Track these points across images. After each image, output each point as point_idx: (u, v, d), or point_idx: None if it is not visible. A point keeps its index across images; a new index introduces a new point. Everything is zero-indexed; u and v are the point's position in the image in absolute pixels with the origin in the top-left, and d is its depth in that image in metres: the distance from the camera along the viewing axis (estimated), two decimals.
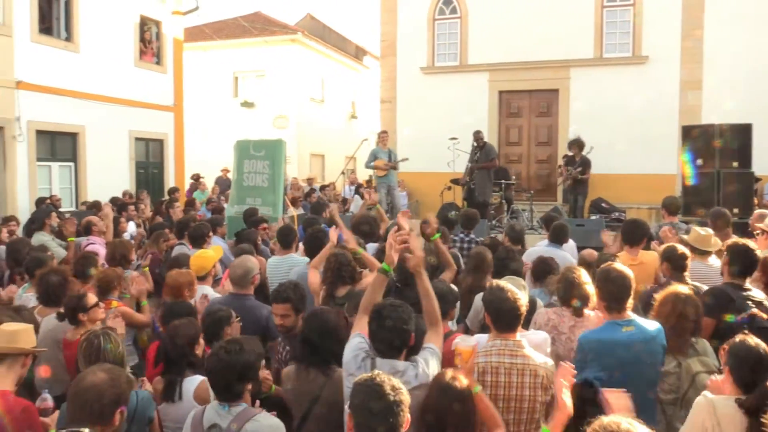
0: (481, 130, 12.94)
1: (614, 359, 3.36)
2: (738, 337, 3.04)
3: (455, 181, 13.62)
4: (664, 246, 4.97)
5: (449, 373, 2.85)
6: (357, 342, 3.17)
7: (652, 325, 3.54)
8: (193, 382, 3.48)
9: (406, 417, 2.28)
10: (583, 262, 5.33)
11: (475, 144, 12.37)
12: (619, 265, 3.69)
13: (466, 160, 12.80)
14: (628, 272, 3.57)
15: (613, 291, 3.50)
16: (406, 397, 2.31)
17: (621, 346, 3.39)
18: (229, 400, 2.86)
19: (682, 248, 4.73)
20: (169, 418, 3.45)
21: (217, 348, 2.98)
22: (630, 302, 3.54)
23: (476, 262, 5.33)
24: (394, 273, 3.55)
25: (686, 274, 4.63)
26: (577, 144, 12.14)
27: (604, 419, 2.06)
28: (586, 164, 11.93)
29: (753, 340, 3.00)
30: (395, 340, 3.01)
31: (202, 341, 3.66)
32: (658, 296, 3.77)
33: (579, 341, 3.51)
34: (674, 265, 4.63)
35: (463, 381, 2.79)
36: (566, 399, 2.61)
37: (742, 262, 4.33)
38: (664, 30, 15.17)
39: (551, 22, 15.88)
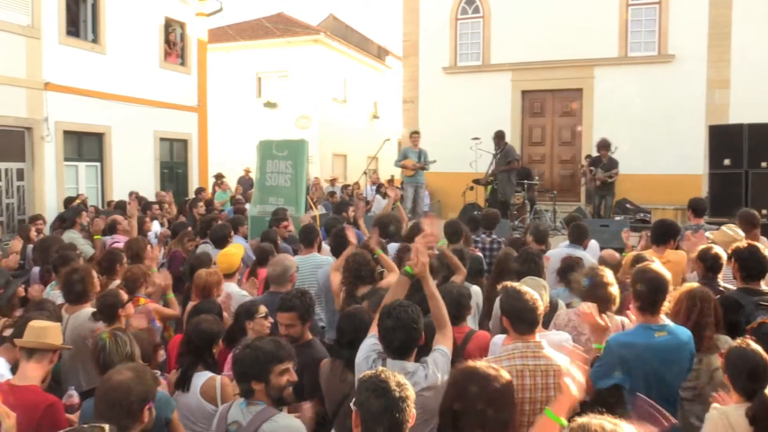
0: (502, 130, 12.87)
1: (644, 365, 3.26)
2: (735, 344, 2.98)
3: (477, 181, 13.58)
4: (700, 247, 4.87)
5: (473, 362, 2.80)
6: (370, 343, 3.19)
7: (684, 332, 3.41)
8: (202, 377, 3.52)
9: (412, 413, 2.27)
10: (604, 264, 5.26)
11: (495, 146, 12.34)
12: (656, 265, 3.54)
13: (489, 160, 12.76)
14: (666, 273, 3.43)
15: (648, 292, 3.36)
16: (411, 393, 2.30)
17: (653, 352, 3.27)
18: (246, 397, 2.91)
19: (718, 249, 4.63)
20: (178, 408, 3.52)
21: (246, 344, 3.02)
22: (665, 305, 3.42)
23: (501, 267, 5.31)
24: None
25: (720, 276, 4.54)
26: (604, 145, 12.00)
27: (583, 419, 1.99)
28: (614, 165, 11.77)
29: (752, 346, 2.93)
30: (404, 340, 3.01)
31: (221, 342, 3.70)
32: (674, 295, 3.62)
33: (608, 344, 3.39)
34: (707, 265, 4.54)
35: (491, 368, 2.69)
36: (570, 383, 2.47)
37: (750, 266, 4.22)
38: (691, 28, 14.94)
39: (575, 21, 15.74)
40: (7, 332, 4.02)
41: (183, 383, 3.53)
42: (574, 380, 2.47)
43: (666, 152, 14.80)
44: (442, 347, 3.17)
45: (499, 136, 12.45)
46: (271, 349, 2.95)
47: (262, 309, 4.04)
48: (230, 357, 3.61)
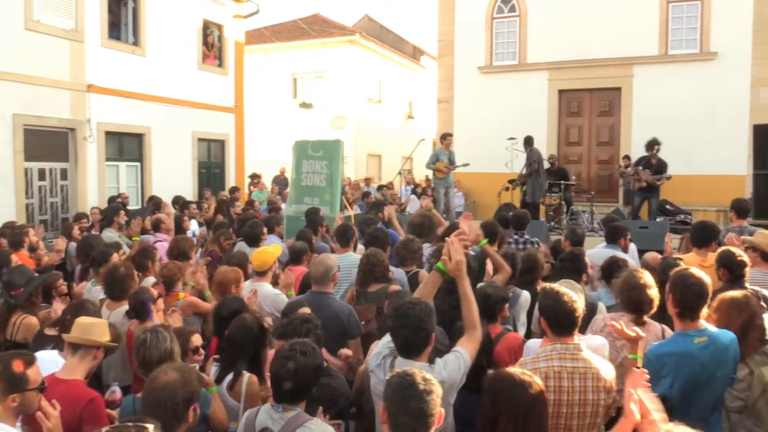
0: (530, 136, 12.75)
1: (685, 373, 3.18)
2: None
3: (513, 182, 13.47)
4: (720, 249, 4.74)
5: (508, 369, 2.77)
6: (387, 340, 3.18)
7: (726, 335, 3.30)
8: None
9: (438, 408, 2.28)
10: (647, 267, 5.15)
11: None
12: (696, 270, 3.43)
13: (523, 161, 12.69)
14: (706, 279, 3.33)
15: (689, 298, 3.26)
16: (437, 389, 2.30)
17: (693, 359, 3.19)
18: (288, 401, 2.81)
19: (740, 253, 4.50)
20: None
21: (287, 348, 2.90)
22: (705, 311, 3.32)
23: (528, 265, 5.23)
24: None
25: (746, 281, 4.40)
26: (653, 145, 11.71)
27: (665, 426, 1.98)
28: (663, 168, 11.49)
29: None
30: (409, 337, 2.99)
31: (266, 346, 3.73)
32: (715, 302, 3.50)
33: (647, 355, 3.29)
34: (731, 271, 4.42)
35: (526, 375, 2.70)
36: (634, 407, 2.48)
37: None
38: (734, 24, 14.57)
39: (614, 19, 15.49)
40: (49, 331, 4.12)
41: (220, 381, 3.57)
42: (638, 404, 2.47)
43: (708, 152, 14.46)
44: (460, 349, 3.13)
45: (526, 142, 12.41)
46: (317, 359, 2.92)
47: (306, 310, 4.05)
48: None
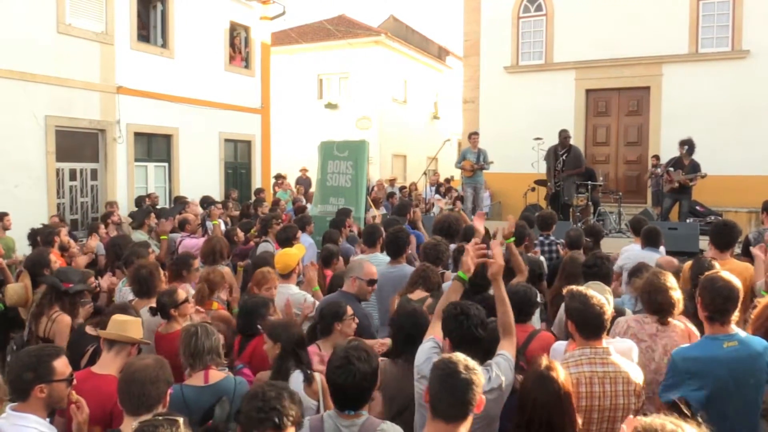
0: (567, 129, 12.60)
1: (713, 379, 3.08)
2: None
3: (540, 182, 13.34)
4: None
5: (543, 362, 2.80)
6: (430, 346, 3.19)
7: (758, 341, 3.20)
8: (299, 376, 3.46)
9: (479, 396, 2.38)
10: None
11: (560, 145, 12.06)
12: (726, 273, 3.34)
13: (546, 160, 12.51)
14: (736, 282, 3.24)
15: (718, 301, 3.16)
16: (479, 378, 2.41)
17: (721, 364, 3.09)
18: (352, 408, 2.75)
19: None
20: None
21: (342, 355, 2.79)
22: (736, 315, 3.22)
23: (570, 268, 5.19)
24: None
25: None
26: (688, 145, 11.50)
27: (646, 420, 1.95)
28: (697, 169, 11.27)
29: None
30: (473, 341, 3.04)
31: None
32: (756, 310, 3.44)
33: (672, 358, 3.23)
34: None
35: (558, 371, 2.75)
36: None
37: None
38: (767, 22, 14.26)
39: (642, 17, 15.27)
40: (90, 330, 4.20)
41: (284, 378, 3.50)
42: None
43: (739, 152, 14.19)
44: (506, 353, 3.15)
45: (565, 136, 12.19)
46: (375, 355, 2.91)
47: (350, 310, 4.07)
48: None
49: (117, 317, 3.58)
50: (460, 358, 2.45)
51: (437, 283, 4.74)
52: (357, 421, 2.74)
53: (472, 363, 2.44)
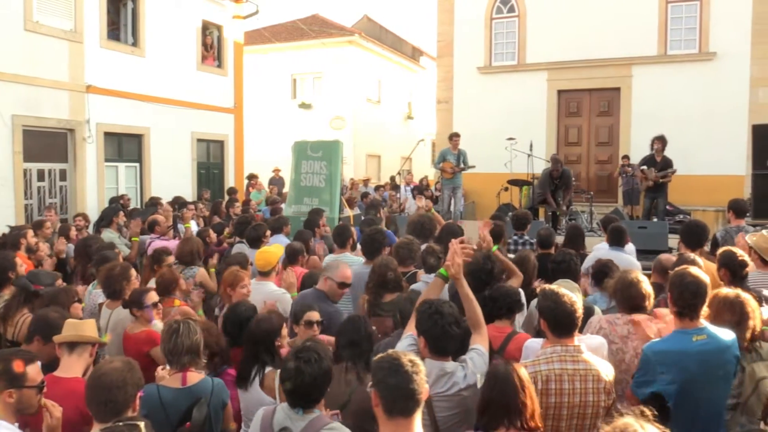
0: (558, 156, 12.48)
1: (684, 372, 3.15)
2: None
3: (513, 182, 13.42)
4: (721, 250, 4.70)
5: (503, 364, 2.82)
6: (407, 343, 3.20)
7: (726, 333, 3.28)
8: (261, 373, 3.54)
9: (425, 387, 2.39)
10: (660, 267, 5.02)
11: (554, 170, 11.63)
12: (694, 269, 3.42)
13: (525, 162, 12.50)
14: (704, 277, 3.32)
15: (687, 296, 3.23)
16: (422, 368, 2.42)
17: (691, 358, 3.16)
18: (302, 407, 2.76)
19: (741, 253, 4.47)
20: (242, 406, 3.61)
21: (295, 354, 2.82)
22: (705, 309, 3.30)
23: (520, 266, 5.21)
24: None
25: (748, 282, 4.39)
26: (661, 142, 11.60)
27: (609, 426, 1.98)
28: (669, 165, 11.38)
29: None
30: (447, 339, 3.04)
31: (284, 332, 3.77)
32: (709, 298, 3.48)
33: (644, 352, 3.29)
34: (732, 272, 4.40)
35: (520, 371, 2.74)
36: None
37: None
38: (733, 25, 14.59)
39: (613, 19, 15.51)
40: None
41: (243, 382, 3.55)
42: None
43: (706, 152, 14.47)
44: (479, 346, 3.20)
45: (557, 161, 11.85)
46: (329, 354, 2.94)
47: (315, 314, 4.08)
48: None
49: (71, 321, 3.57)
50: (400, 354, 2.46)
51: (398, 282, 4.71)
52: (307, 417, 2.74)
53: (412, 355, 2.49)
